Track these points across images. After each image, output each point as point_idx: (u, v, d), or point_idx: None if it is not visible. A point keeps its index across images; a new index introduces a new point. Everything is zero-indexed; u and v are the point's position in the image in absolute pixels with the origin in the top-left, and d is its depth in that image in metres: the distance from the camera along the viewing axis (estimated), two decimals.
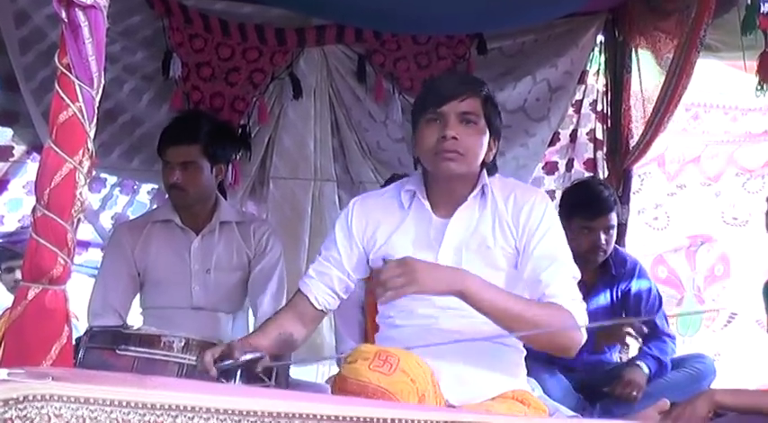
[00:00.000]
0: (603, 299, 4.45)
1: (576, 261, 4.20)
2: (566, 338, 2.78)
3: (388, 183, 3.65)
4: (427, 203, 2.96)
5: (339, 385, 2.51)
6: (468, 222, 2.92)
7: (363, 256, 3.03)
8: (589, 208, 4.28)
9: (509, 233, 2.88)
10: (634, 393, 4.10)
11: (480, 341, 2.77)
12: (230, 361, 2.70)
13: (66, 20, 1.89)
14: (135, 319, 4.05)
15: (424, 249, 2.89)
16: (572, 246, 3.96)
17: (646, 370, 4.22)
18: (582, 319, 2.79)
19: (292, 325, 2.96)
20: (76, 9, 1.89)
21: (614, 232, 4.38)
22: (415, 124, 3.00)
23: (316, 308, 3.00)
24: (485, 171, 2.98)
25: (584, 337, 2.81)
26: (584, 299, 4.10)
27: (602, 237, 4.28)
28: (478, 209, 2.94)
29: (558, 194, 5.28)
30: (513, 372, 2.90)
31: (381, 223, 3.01)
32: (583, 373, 4.29)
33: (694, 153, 6.18)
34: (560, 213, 4.31)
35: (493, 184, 2.98)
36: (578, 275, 2.94)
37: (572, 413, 3.68)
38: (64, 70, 1.88)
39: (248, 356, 2.73)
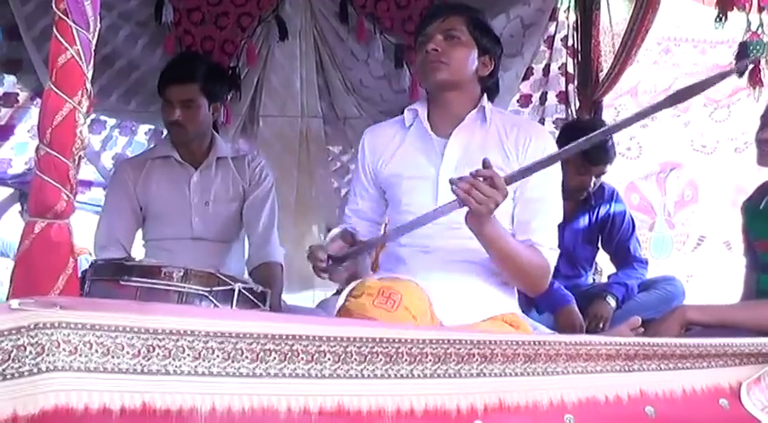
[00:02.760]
0: (581, 223, 4.49)
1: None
2: (536, 284, 2.90)
3: None
4: (426, 123, 3.00)
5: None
6: (466, 140, 2.95)
7: (375, 178, 3.10)
8: (593, 153, 4.24)
9: (511, 160, 2.90)
10: (600, 325, 4.15)
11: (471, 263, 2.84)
12: (336, 244, 2.80)
13: None
14: (138, 250, 4.07)
15: (425, 167, 2.95)
16: (563, 178, 3.98)
17: (612, 302, 4.25)
18: (553, 266, 2.90)
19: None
20: None
21: (602, 177, 4.40)
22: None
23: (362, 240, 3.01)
24: (485, 95, 3.02)
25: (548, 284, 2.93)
26: (563, 224, 4.17)
27: (593, 180, 4.31)
28: (478, 129, 2.97)
29: (534, 121, 5.31)
30: (504, 295, 2.93)
31: (387, 145, 3.07)
32: None
33: (665, 85, 6.17)
34: (561, 144, 4.34)
35: (495, 113, 3.02)
36: (561, 219, 3.00)
37: (549, 331, 3.72)
38: (61, 15, 1.86)
39: (350, 250, 2.81)
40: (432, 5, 4.91)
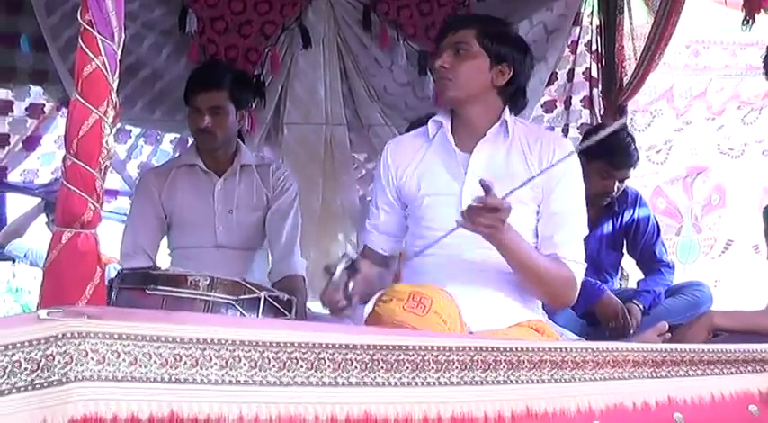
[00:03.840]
0: (606, 229, 4.47)
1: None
2: (565, 295, 2.90)
3: (411, 128, 3.64)
4: (450, 136, 2.97)
5: (373, 323, 2.52)
6: (489, 155, 2.93)
7: (398, 192, 3.06)
8: (616, 157, 4.23)
9: (534, 173, 2.83)
10: (630, 327, 4.13)
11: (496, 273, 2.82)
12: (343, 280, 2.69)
13: None
14: (163, 259, 4.08)
15: (449, 183, 2.93)
16: (586, 184, 3.97)
17: (641, 307, 4.23)
18: (580, 280, 2.89)
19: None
20: None
21: (625, 182, 4.38)
22: None
23: (386, 256, 3.02)
24: (507, 109, 2.97)
25: (576, 297, 2.92)
26: (588, 229, 4.16)
27: (616, 185, 4.29)
28: (501, 143, 2.94)
29: (558, 132, 5.30)
30: (530, 302, 2.93)
31: (410, 159, 3.04)
32: None
33: (700, 88, 6.13)
34: (580, 154, 4.33)
35: (518, 125, 2.99)
36: (586, 232, 3.00)
37: (576, 337, 3.71)
38: (86, 26, 1.87)
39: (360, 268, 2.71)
40: (452, 14, 4.94)
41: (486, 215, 2.53)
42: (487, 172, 2.85)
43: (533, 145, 2.94)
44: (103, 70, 1.86)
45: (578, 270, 2.88)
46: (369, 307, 2.65)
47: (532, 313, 2.91)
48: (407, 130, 3.63)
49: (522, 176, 2.75)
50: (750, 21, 3.70)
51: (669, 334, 3.29)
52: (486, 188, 2.53)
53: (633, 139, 4.46)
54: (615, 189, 4.32)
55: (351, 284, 2.65)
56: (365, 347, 1.75)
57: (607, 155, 4.19)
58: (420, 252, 2.76)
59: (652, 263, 4.53)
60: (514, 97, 3.01)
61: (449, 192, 2.91)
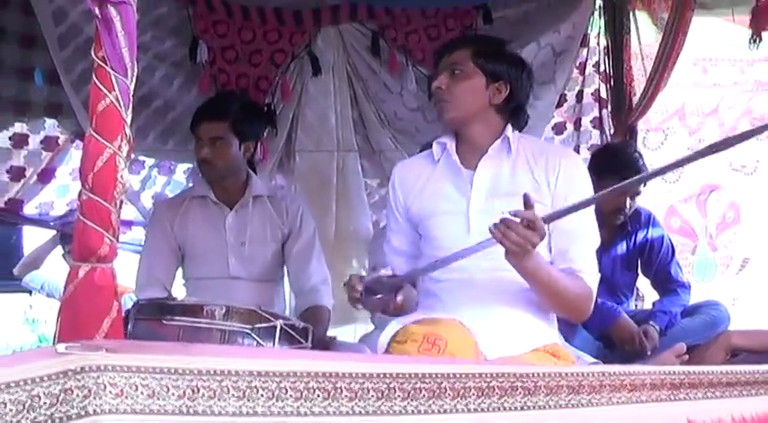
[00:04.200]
0: (620, 250, 4.47)
1: (597, 218, 4.23)
2: (583, 309, 2.90)
3: (422, 151, 3.66)
4: (455, 155, 2.98)
5: None
6: (494, 171, 2.92)
7: (407, 213, 3.07)
8: (625, 173, 4.22)
9: (542, 188, 2.88)
10: (647, 350, 4.12)
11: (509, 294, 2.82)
12: (374, 276, 2.77)
13: (99, 16, 1.91)
14: (179, 289, 4.10)
15: (456, 200, 2.93)
16: (598, 204, 3.98)
17: (657, 328, 4.22)
18: (596, 291, 2.90)
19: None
20: (109, 5, 1.90)
21: (637, 198, 4.38)
22: None
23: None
24: (509, 126, 2.98)
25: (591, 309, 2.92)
26: (601, 251, 4.15)
27: (628, 202, 4.29)
28: (504, 159, 2.94)
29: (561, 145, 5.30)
30: (544, 324, 2.92)
31: (417, 180, 3.06)
32: None
33: (712, 105, 6.13)
34: (591, 170, 4.33)
35: (522, 141, 2.99)
36: (598, 242, 2.99)
37: (593, 360, 3.70)
38: (100, 62, 1.90)
39: (387, 273, 2.79)
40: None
41: (518, 230, 2.50)
42: (493, 187, 2.89)
43: (539, 159, 2.93)
44: (117, 105, 1.88)
45: (594, 282, 2.89)
46: (383, 344, 2.66)
47: (548, 335, 2.90)
48: None
49: (529, 191, 2.69)
50: (757, 39, 3.71)
51: (687, 355, 3.28)
52: (528, 203, 2.51)
53: (641, 154, 4.48)
54: (627, 206, 4.31)
55: (398, 297, 2.74)
56: (382, 376, 1.75)
57: (615, 171, 4.20)
58: (443, 262, 2.73)
59: (667, 283, 4.52)
60: (515, 114, 3.02)
61: (456, 210, 2.92)
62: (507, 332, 2.79)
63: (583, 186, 2.95)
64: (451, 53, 2.99)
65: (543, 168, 2.91)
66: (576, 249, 2.88)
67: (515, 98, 3.00)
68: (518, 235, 2.49)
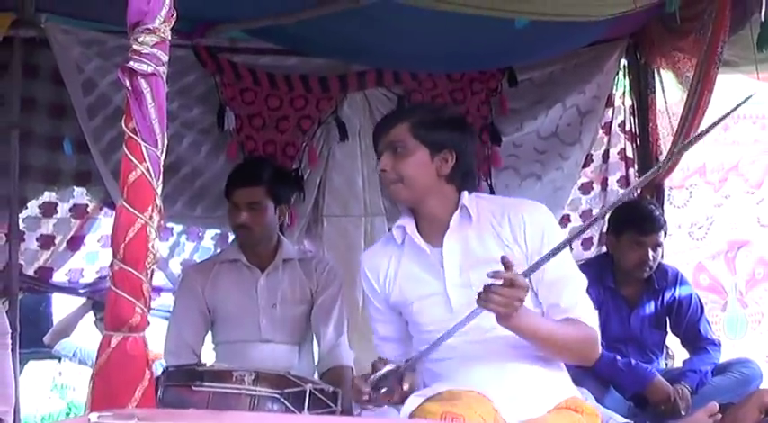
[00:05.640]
0: (648, 309, 4.45)
1: (621, 274, 4.26)
2: (591, 352, 2.87)
3: None
4: (418, 237, 2.91)
5: None
6: (461, 244, 2.87)
7: (387, 301, 3.02)
8: (642, 224, 4.28)
9: (514, 250, 2.82)
10: (680, 410, 4.09)
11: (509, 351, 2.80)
12: (376, 373, 2.72)
13: (130, 88, 1.95)
14: (208, 354, 4.11)
15: (431, 283, 2.88)
16: (620, 260, 4.04)
17: (688, 388, 4.19)
18: (598, 331, 2.86)
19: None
20: (139, 77, 1.95)
21: (661, 250, 4.38)
22: None
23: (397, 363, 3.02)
24: (464, 193, 2.92)
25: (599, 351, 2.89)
26: (629, 310, 4.17)
27: (650, 253, 4.29)
28: (467, 229, 2.88)
29: (595, 213, 5.31)
30: (559, 381, 2.90)
31: (387, 271, 2.99)
32: None
33: (732, 162, 6.14)
34: (610, 229, 4.40)
35: (481, 203, 2.93)
36: (586, 283, 2.93)
37: (625, 420, 3.68)
38: (130, 134, 1.94)
39: (389, 367, 2.73)
40: (486, 101, 5.00)
41: (501, 291, 2.50)
42: (464, 260, 2.84)
43: (501, 220, 2.88)
44: (148, 176, 1.92)
45: (595, 323, 2.85)
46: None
47: (565, 388, 2.88)
48: None
49: (498, 253, 2.70)
50: None
51: (720, 414, 3.26)
52: (507, 264, 2.52)
53: (655, 205, 4.52)
54: (651, 258, 4.31)
55: (405, 386, 2.71)
56: None
57: (633, 224, 4.26)
58: (437, 344, 2.71)
59: (697, 341, 4.50)
60: (465, 179, 2.95)
61: (433, 292, 2.87)
62: (524, 393, 2.76)
63: (552, 233, 2.90)
64: (389, 131, 2.91)
65: (509, 229, 2.87)
66: (567, 297, 2.84)
67: (464, 164, 2.94)
68: (501, 296, 2.50)
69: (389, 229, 5.02)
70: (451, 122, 2.99)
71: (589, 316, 2.86)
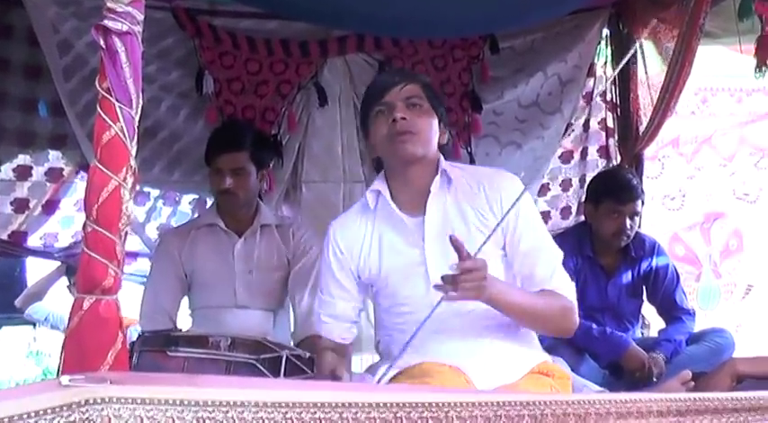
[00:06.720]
0: (625, 279, 4.48)
1: (599, 243, 4.30)
2: (568, 323, 2.87)
3: None
4: (393, 205, 2.90)
5: None
6: (441, 213, 2.87)
7: (358, 276, 2.99)
8: (620, 193, 4.31)
9: (489, 219, 2.84)
10: (653, 377, 4.12)
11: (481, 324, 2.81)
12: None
13: (104, 47, 1.92)
14: (184, 319, 4.09)
15: (409, 254, 2.88)
16: (598, 229, 4.07)
17: (663, 356, 4.22)
18: (575, 302, 2.87)
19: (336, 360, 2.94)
20: (113, 36, 1.91)
21: (638, 219, 4.40)
22: (365, 125, 2.97)
23: (343, 343, 3.04)
24: (442, 158, 2.93)
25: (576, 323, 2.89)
26: (607, 279, 4.19)
27: (628, 222, 4.31)
28: (446, 196, 2.89)
29: (575, 182, 5.33)
30: (529, 345, 2.91)
31: (361, 238, 2.96)
32: None
33: (706, 135, 6.17)
34: (589, 198, 4.42)
35: (455, 172, 2.92)
36: (561, 255, 2.95)
37: (599, 388, 3.69)
38: (104, 94, 1.90)
39: (389, 372, 2.73)
40: (468, 68, 4.97)
41: (465, 278, 2.51)
42: (443, 229, 2.82)
43: (477, 191, 2.89)
44: (122, 137, 1.89)
45: (572, 294, 2.87)
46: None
47: (535, 354, 2.90)
48: None
49: (477, 224, 2.79)
50: (763, 68, 3.72)
51: (693, 382, 3.27)
52: (457, 247, 2.52)
53: (633, 174, 4.54)
54: (628, 226, 4.34)
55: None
56: (388, 405, 1.74)
57: (611, 193, 4.29)
58: (408, 342, 2.66)
59: (673, 311, 4.53)
60: (445, 153, 2.99)
61: (412, 262, 2.86)
62: (497, 363, 2.77)
63: (527, 206, 2.92)
64: (403, 86, 2.88)
65: (484, 199, 2.88)
66: (542, 269, 2.86)
67: (449, 141, 3.01)
68: (467, 284, 2.52)
69: None
70: (443, 101, 3.07)
71: (565, 287, 2.87)
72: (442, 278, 2.54)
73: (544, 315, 2.79)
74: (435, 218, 2.86)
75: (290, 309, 4.13)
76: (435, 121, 2.89)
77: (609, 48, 5.36)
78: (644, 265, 4.50)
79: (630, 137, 5.21)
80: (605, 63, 5.39)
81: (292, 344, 3.85)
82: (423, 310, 2.66)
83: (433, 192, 2.86)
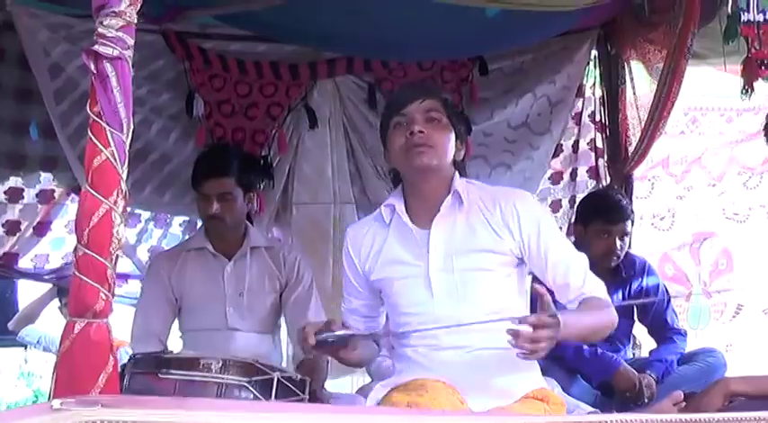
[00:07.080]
0: (616, 298, 4.45)
1: (589, 264, 4.28)
2: (614, 321, 2.91)
3: None
4: (406, 217, 2.92)
5: None
6: (448, 229, 2.88)
7: (367, 279, 3.02)
8: (609, 214, 4.32)
9: (505, 238, 2.85)
10: (645, 397, 4.12)
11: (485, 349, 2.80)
12: (328, 333, 2.72)
13: (95, 71, 1.92)
14: (174, 342, 4.08)
15: (413, 264, 2.89)
16: (588, 250, 4.06)
17: (654, 377, 4.22)
18: (607, 296, 2.94)
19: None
20: (104, 61, 1.92)
21: (628, 239, 4.40)
22: (384, 137, 3.01)
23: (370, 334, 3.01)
24: (457, 175, 2.95)
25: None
26: None
27: (618, 242, 4.31)
28: (457, 213, 2.89)
29: (565, 203, 5.34)
30: (528, 370, 2.88)
31: (371, 245, 2.99)
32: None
33: (695, 155, 6.19)
34: (578, 218, 4.42)
35: (470, 189, 2.94)
36: (587, 259, 2.98)
37: (591, 409, 3.68)
38: (95, 118, 1.91)
39: (342, 332, 2.75)
40: (457, 90, 4.99)
41: (541, 335, 2.47)
42: (449, 245, 2.85)
43: (493, 209, 2.89)
44: (113, 161, 1.89)
45: (604, 292, 2.92)
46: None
47: (533, 379, 2.89)
48: None
49: (489, 244, 2.79)
50: (749, 90, 3.74)
51: (684, 403, 3.27)
52: (542, 299, 2.53)
53: (622, 195, 4.56)
54: (618, 247, 4.33)
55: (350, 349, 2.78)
56: None
57: (601, 214, 4.30)
58: (405, 333, 2.72)
59: (664, 331, 4.53)
60: (460, 170, 3.01)
61: (415, 273, 2.87)
62: (493, 383, 2.77)
63: (546, 222, 2.96)
64: (423, 100, 2.90)
65: (500, 217, 2.88)
66: (574, 278, 2.88)
67: (465, 158, 3.05)
68: (543, 341, 2.47)
69: (358, 219, 5.07)
70: (464, 118, 3.05)
71: (598, 288, 2.90)
72: (513, 332, 2.48)
73: (602, 327, 2.86)
74: (442, 234, 2.88)
75: (282, 330, 4.13)
76: (452, 136, 2.92)
77: (597, 69, 5.39)
78: (634, 286, 4.49)
79: (620, 157, 5.23)
80: (594, 84, 5.41)
81: (293, 366, 3.85)
82: (423, 322, 2.73)
83: (441, 211, 2.88)
